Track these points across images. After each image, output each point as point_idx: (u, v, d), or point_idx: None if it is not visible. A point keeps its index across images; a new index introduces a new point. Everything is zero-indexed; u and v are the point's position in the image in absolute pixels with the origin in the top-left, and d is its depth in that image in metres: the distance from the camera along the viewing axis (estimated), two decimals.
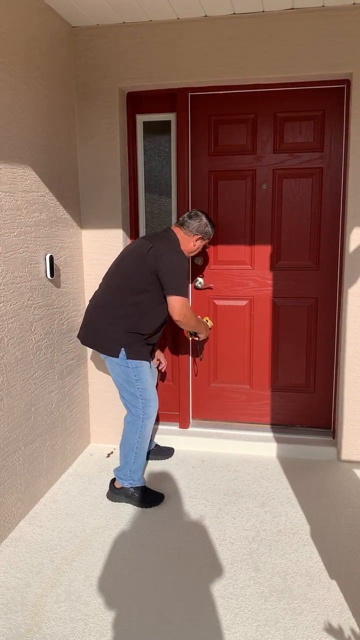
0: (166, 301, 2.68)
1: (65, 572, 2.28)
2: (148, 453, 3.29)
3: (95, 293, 2.82)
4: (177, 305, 2.64)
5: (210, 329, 3.14)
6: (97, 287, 3.33)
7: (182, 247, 2.78)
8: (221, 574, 2.25)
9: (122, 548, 2.44)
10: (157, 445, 3.35)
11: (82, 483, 3.04)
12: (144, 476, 3.09)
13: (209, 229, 2.83)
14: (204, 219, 2.81)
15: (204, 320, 3.11)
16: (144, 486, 2.83)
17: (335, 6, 2.85)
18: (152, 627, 1.96)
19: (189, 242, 2.81)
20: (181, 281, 2.63)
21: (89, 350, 3.43)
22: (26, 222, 2.64)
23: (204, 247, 3.01)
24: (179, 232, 2.80)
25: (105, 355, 2.73)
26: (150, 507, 2.76)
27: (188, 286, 2.81)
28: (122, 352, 2.66)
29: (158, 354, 3.22)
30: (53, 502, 2.84)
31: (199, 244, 2.85)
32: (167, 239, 2.72)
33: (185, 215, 2.84)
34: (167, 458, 3.31)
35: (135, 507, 2.77)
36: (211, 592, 2.14)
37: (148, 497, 2.78)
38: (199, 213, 2.82)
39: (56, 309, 2.98)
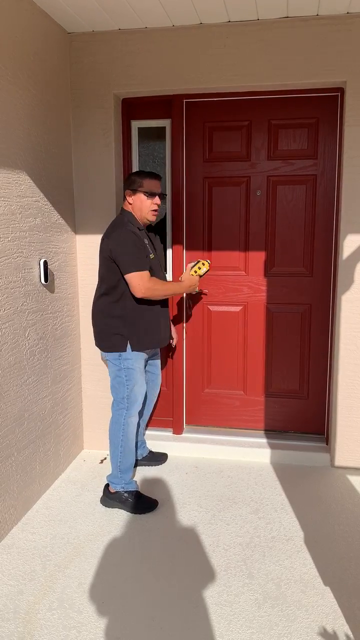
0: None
1: (58, 579, 2.26)
2: (142, 460, 3.28)
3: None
4: (133, 283, 2.57)
5: (202, 274, 2.86)
6: (91, 292, 3.35)
7: (139, 216, 2.74)
8: (215, 581, 2.24)
9: (116, 555, 2.42)
10: (150, 452, 3.34)
11: (75, 489, 3.02)
12: (138, 482, 3.07)
13: (133, 177, 2.73)
14: (130, 178, 2.74)
15: (195, 267, 2.85)
16: (138, 491, 2.82)
17: (329, 15, 2.88)
18: (145, 635, 1.95)
19: (135, 205, 2.73)
20: (132, 257, 2.57)
21: (83, 356, 3.42)
22: (20, 227, 2.63)
23: (158, 197, 2.75)
24: (127, 206, 2.77)
25: (105, 353, 2.80)
26: (144, 513, 2.75)
27: (143, 258, 2.61)
28: (128, 346, 2.73)
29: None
30: (46, 508, 2.82)
31: (141, 199, 2.72)
32: (113, 222, 2.74)
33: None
34: (161, 464, 3.30)
35: (128, 513, 2.76)
36: (205, 599, 2.13)
37: (141, 503, 2.77)
38: (129, 177, 2.76)
39: (50, 314, 2.97)
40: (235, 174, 3.32)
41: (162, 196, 2.80)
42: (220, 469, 3.25)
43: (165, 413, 3.64)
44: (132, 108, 3.34)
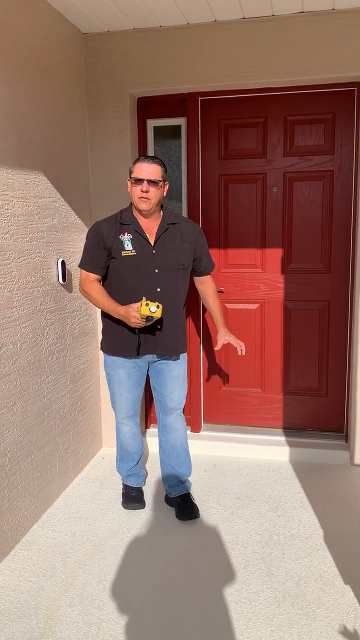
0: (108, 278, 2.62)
1: (78, 575, 2.28)
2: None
3: None
4: (79, 277, 2.65)
5: (147, 317, 2.34)
6: None
7: (134, 205, 2.53)
8: (234, 579, 2.24)
9: (135, 552, 2.44)
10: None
11: (95, 487, 3.04)
12: (156, 479, 3.08)
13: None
14: None
15: (144, 305, 2.32)
16: (130, 486, 2.85)
17: (345, 9, 2.85)
18: (165, 632, 1.96)
19: (130, 193, 2.52)
20: (83, 254, 2.60)
21: (100, 354, 3.44)
22: (38, 228, 2.66)
23: (147, 183, 2.42)
24: None
25: None
26: (126, 508, 2.79)
27: (90, 257, 2.54)
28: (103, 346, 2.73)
29: (224, 337, 2.72)
30: (66, 505, 2.85)
31: (130, 186, 2.49)
32: None
33: None
34: None
35: (146, 511, 2.77)
36: (224, 597, 2.13)
37: (125, 497, 2.83)
38: None
39: (68, 314, 2.99)
40: (251, 171, 3.31)
41: (152, 183, 2.43)
42: (239, 467, 3.25)
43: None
44: (147, 107, 3.34)
